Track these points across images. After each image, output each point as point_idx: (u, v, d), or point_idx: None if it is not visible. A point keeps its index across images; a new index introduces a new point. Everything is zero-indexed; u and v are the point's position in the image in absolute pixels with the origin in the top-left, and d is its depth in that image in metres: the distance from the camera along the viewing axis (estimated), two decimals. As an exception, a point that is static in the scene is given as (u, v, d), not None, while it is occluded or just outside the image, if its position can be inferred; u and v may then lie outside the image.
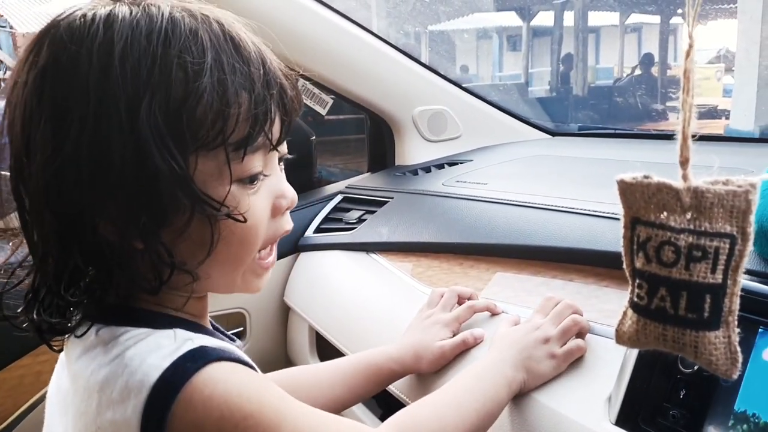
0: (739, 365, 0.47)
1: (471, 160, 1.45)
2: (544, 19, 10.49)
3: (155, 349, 0.53)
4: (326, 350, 1.26)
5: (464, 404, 0.70)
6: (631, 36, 11.37)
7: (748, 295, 0.66)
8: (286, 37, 1.31)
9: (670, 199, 0.46)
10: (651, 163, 1.11)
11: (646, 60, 7.90)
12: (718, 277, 0.45)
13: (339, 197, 1.47)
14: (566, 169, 1.31)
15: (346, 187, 1.50)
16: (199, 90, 0.52)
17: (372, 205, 1.37)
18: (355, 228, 1.30)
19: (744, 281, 0.67)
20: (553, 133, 1.67)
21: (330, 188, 1.55)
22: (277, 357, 1.43)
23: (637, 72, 7.79)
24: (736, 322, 0.46)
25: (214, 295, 0.64)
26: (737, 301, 0.46)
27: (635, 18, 10.91)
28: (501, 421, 0.74)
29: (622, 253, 0.50)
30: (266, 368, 1.39)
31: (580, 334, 0.78)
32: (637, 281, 0.49)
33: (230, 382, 0.52)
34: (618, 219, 0.92)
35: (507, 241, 1.01)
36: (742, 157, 1.28)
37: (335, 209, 1.44)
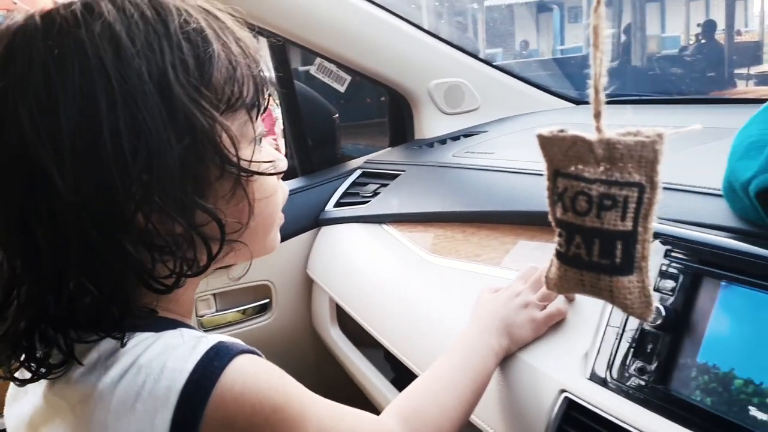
0: (653, 308, 0.48)
1: (486, 131, 1.45)
2: (605, -13, 10.11)
3: (171, 352, 0.50)
4: (346, 321, 1.31)
5: (459, 384, 0.72)
6: (698, 3, 10.86)
7: (711, 249, 0.66)
8: (297, 15, 1.35)
9: (584, 152, 0.47)
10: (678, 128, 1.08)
11: (709, 27, 7.52)
12: (628, 225, 0.47)
13: (358, 172, 1.51)
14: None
15: (365, 162, 1.54)
16: (210, 56, 0.53)
17: (387, 178, 1.39)
18: (369, 201, 1.34)
19: (709, 236, 0.68)
20: (577, 102, 1.64)
21: (351, 164, 1.59)
22: (302, 327, 1.49)
23: (702, 40, 7.44)
24: (649, 268, 0.47)
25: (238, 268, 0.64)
26: (649, 247, 0.47)
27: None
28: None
29: (547, 205, 0.51)
30: (292, 337, 1.47)
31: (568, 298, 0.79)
32: (558, 230, 0.51)
33: (258, 374, 0.51)
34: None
35: (505, 208, 1.02)
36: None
37: (354, 184, 1.47)
